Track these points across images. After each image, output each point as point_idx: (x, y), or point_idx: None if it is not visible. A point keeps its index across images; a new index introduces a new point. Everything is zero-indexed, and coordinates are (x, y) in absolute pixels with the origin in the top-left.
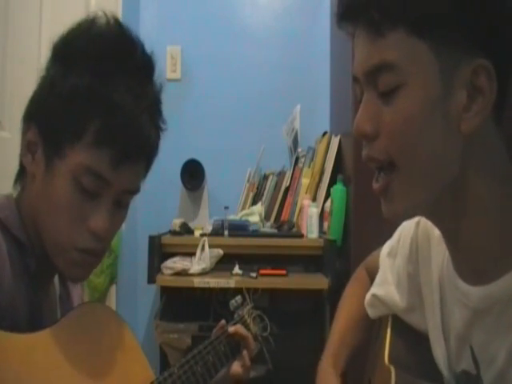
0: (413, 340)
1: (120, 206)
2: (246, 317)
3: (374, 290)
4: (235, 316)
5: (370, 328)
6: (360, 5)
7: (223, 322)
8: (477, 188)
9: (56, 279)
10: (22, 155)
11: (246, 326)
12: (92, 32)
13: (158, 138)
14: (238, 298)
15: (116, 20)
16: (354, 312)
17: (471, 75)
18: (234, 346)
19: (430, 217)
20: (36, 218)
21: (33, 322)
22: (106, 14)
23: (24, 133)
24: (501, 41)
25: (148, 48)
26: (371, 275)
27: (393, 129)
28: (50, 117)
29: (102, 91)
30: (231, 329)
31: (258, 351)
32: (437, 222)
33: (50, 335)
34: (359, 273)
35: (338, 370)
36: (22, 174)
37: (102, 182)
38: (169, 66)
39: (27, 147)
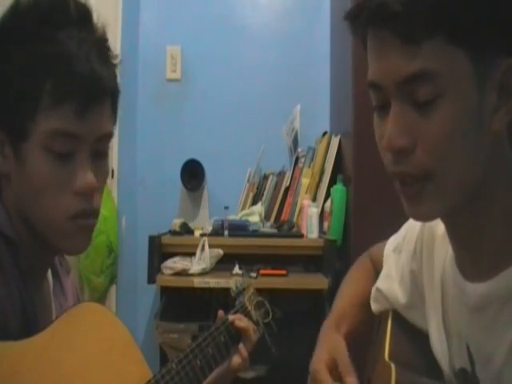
0: (413, 337)
1: (100, 156)
2: (247, 304)
3: (378, 283)
4: (236, 303)
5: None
6: (393, 12)
7: (221, 312)
8: (494, 188)
9: (49, 273)
10: None
11: (247, 314)
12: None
13: (113, 74)
14: (239, 284)
15: None
16: (358, 290)
17: (501, 75)
18: (235, 334)
19: (444, 216)
20: (24, 213)
21: (26, 323)
22: None
23: None
24: None
25: (148, 48)
26: (375, 266)
27: (433, 142)
28: (3, 102)
29: (43, 50)
30: (231, 317)
31: (260, 336)
32: (449, 221)
33: (42, 340)
34: (363, 260)
35: (342, 331)
36: None
37: (73, 139)
38: (169, 65)
39: None
